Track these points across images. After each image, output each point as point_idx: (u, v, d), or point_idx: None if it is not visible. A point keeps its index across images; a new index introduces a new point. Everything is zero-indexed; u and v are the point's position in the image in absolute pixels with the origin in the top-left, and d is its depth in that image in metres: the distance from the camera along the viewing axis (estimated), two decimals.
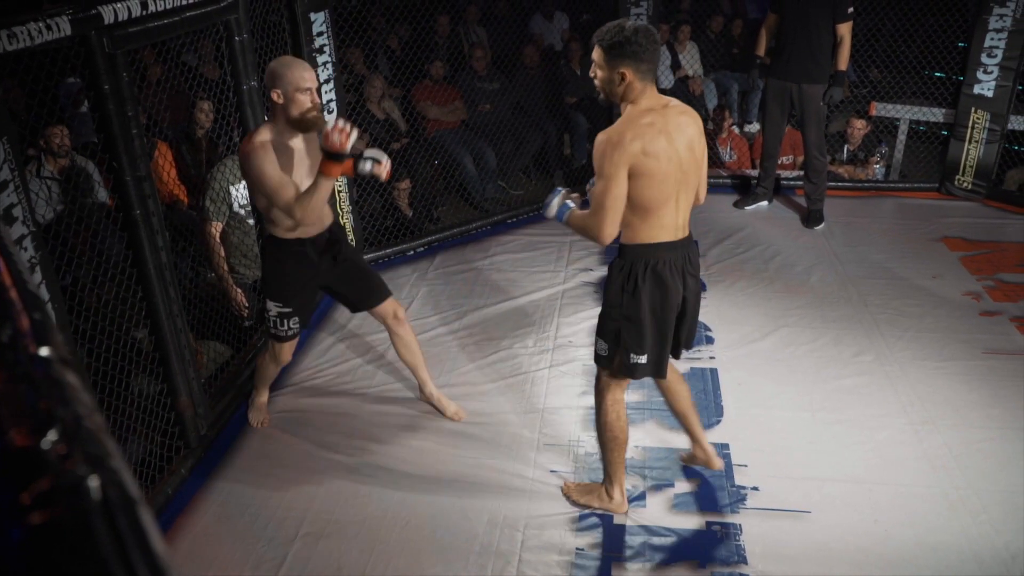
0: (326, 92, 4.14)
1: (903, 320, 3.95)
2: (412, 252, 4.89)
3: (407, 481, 2.98)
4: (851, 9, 4.66)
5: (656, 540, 2.68)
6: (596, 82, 2.35)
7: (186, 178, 4.28)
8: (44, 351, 0.64)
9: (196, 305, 3.48)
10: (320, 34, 4.04)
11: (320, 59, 4.07)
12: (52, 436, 0.50)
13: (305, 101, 2.66)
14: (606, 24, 2.34)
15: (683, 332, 2.61)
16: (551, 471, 3.01)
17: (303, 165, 2.76)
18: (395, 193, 4.98)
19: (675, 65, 6.38)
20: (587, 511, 2.80)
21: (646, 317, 2.44)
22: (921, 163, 5.89)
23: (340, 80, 4.24)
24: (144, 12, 2.66)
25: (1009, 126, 5.29)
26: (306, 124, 2.71)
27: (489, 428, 3.27)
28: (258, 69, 3.56)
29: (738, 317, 4.06)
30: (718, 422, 3.28)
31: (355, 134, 2.61)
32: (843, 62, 4.74)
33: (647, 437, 3.19)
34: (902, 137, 5.78)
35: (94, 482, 0.46)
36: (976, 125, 5.35)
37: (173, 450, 2.99)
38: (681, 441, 3.14)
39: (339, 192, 4.37)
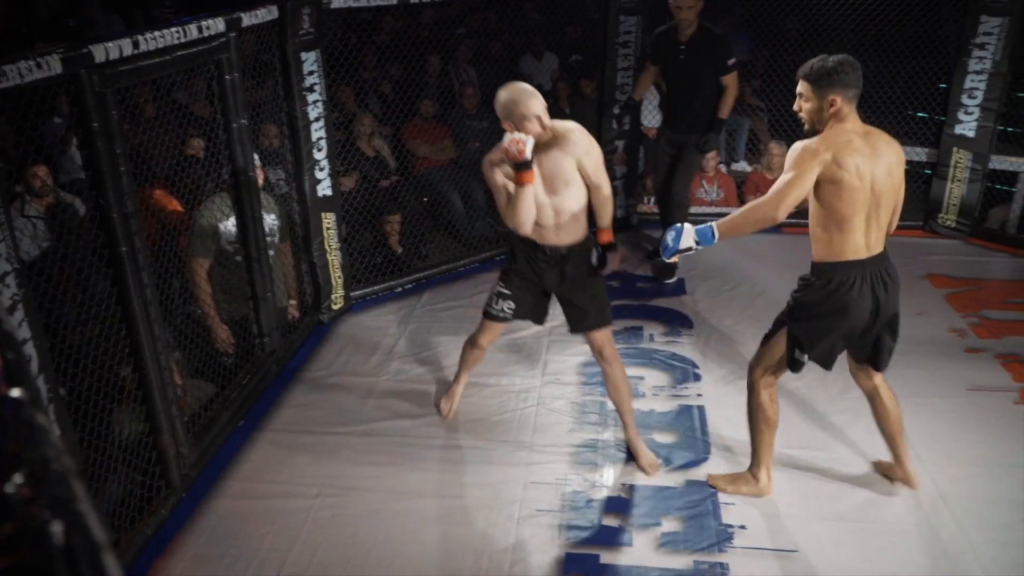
0: (316, 130, 4.18)
1: None
2: (400, 289, 4.89)
3: (390, 523, 2.94)
4: (733, 60, 4.61)
5: None
6: (802, 114, 2.58)
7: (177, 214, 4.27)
8: (15, 392, 0.64)
9: (180, 342, 3.46)
10: (311, 73, 4.09)
11: (310, 97, 4.10)
12: (18, 479, 0.50)
13: (535, 128, 2.80)
14: (809, 60, 2.56)
15: (884, 344, 2.77)
16: (538, 510, 2.98)
17: (538, 179, 2.89)
18: (386, 227, 5.00)
19: (663, 104, 6.45)
20: (577, 551, 2.78)
21: (818, 322, 2.66)
22: (905, 201, 5.94)
23: (330, 118, 4.27)
24: (135, 51, 2.69)
25: (990, 165, 5.38)
26: (539, 145, 2.84)
27: (475, 467, 3.24)
28: (248, 107, 3.59)
29: (725, 354, 4.07)
30: (706, 459, 3.26)
31: (531, 142, 2.75)
32: (724, 111, 4.70)
33: (633, 476, 3.17)
34: None
35: (57, 527, 0.46)
36: (958, 164, 5.44)
37: (154, 490, 2.95)
38: (666, 479, 3.13)
39: (328, 229, 4.38)
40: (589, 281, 3.10)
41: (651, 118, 6.04)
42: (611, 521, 2.93)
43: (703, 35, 4.61)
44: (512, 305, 3.20)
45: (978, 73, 5.21)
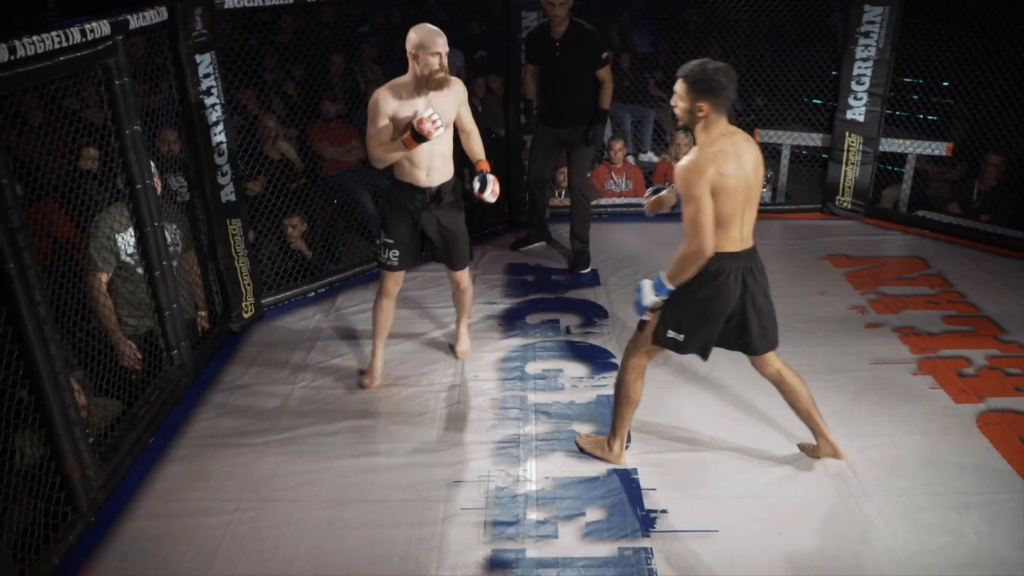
0: (216, 134, 4.05)
1: (794, 336, 4.10)
2: (313, 293, 4.80)
3: (313, 531, 2.88)
4: (607, 54, 4.71)
5: (568, 572, 2.68)
6: (676, 111, 2.73)
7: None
8: None
9: (82, 360, 3.30)
10: (207, 76, 3.95)
11: (208, 101, 3.97)
12: None
13: (433, 63, 3.19)
14: (691, 61, 2.68)
15: (753, 329, 2.89)
16: (463, 508, 2.98)
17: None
18: (288, 231, 4.89)
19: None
20: (503, 550, 2.79)
21: (693, 306, 2.81)
22: (804, 185, 6.20)
23: (230, 122, 4.15)
24: (12, 58, 2.54)
25: (881, 148, 5.64)
26: (433, 83, 3.23)
27: (398, 469, 3.21)
28: (143, 113, 3.44)
29: None
30: (626, 447, 3.31)
31: (442, 129, 3.19)
32: (605, 102, 4.77)
33: (556, 469, 3.20)
34: (785, 161, 6.07)
35: None
36: (851, 148, 5.68)
37: (60, 516, 2.81)
38: (589, 469, 3.17)
39: (234, 236, 4.25)
40: (459, 225, 3.58)
41: None
42: (536, 515, 2.94)
43: (575, 31, 4.67)
44: (397, 253, 3.54)
45: (864, 60, 5.46)
